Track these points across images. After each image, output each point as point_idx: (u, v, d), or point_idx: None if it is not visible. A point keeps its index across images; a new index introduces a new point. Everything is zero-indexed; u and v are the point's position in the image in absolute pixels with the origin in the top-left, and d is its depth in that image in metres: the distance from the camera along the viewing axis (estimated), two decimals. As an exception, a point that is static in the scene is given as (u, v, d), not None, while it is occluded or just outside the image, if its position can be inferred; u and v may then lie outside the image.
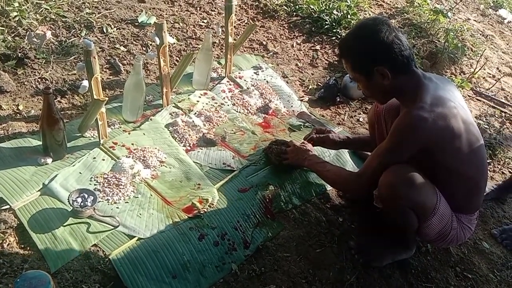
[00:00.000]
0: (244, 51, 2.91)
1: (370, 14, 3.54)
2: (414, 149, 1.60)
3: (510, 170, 2.63)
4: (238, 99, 2.47)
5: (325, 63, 3.02)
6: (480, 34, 3.92)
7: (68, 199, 1.67)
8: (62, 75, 2.30)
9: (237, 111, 2.39)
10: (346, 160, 2.26)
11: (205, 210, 1.82)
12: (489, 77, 3.41)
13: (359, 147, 2.21)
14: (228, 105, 2.41)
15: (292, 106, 2.56)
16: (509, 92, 3.30)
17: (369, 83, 1.67)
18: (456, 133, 1.59)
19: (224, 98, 2.45)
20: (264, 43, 3.01)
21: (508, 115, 3.07)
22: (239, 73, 2.66)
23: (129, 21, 2.78)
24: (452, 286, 1.90)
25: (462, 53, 3.31)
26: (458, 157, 1.63)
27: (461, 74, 3.29)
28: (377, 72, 1.61)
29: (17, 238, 1.58)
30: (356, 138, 2.19)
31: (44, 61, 2.32)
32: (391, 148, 1.63)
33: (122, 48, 2.58)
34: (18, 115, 2.06)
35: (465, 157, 1.64)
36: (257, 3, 3.35)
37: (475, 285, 1.94)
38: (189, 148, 2.11)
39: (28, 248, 1.56)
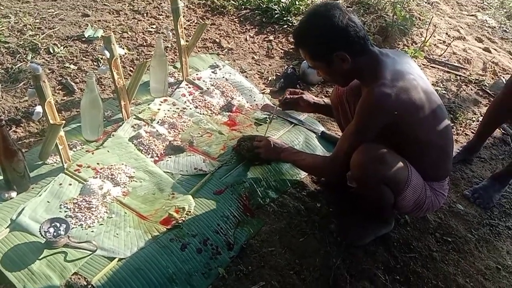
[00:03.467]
0: (199, 51, 2.87)
1: (317, -2, 3.56)
2: (380, 125, 1.62)
3: (472, 131, 2.72)
4: (199, 101, 2.43)
5: (281, 53, 3.02)
6: (426, 2, 4.01)
7: (39, 231, 1.61)
8: (14, 103, 2.20)
9: (200, 113, 2.36)
10: (316, 145, 2.28)
11: (183, 219, 1.79)
12: (440, 43, 3.50)
13: (332, 113, 2.12)
14: (190, 108, 2.38)
15: (255, 100, 2.55)
16: (460, 55, 3.40)
17: (330, 69, 1.68)
18: (418, 104, 1.62)
19: (185, 102, 2.41)
20: (217, 40, 2.99)
21: (463, 78, 3.16)
22: (196, 74, 2.63)
23: (75, 38, 2.69)
24: (435, 252, 1.95)
25: (411, 24, 3.38)
26: (424, 127, 1.66)
27: (413, 44, 3.37)
28: (337, 57, 1.61)
29: (-9, 281, 1.52)
30: (330, 103, 2.10)
31: (-9, 92, 2.22)
32: (358, 129, 1.65)
33: (72, 66, 2.50)
34: (-27, 152, 1.96)
35: (430, 126, 1.67)
36: (204, 1, 3.31)
37: (455, 247, 2.00)
38: (157, 158, 2.06)
39: (5, 288, 1.50)
